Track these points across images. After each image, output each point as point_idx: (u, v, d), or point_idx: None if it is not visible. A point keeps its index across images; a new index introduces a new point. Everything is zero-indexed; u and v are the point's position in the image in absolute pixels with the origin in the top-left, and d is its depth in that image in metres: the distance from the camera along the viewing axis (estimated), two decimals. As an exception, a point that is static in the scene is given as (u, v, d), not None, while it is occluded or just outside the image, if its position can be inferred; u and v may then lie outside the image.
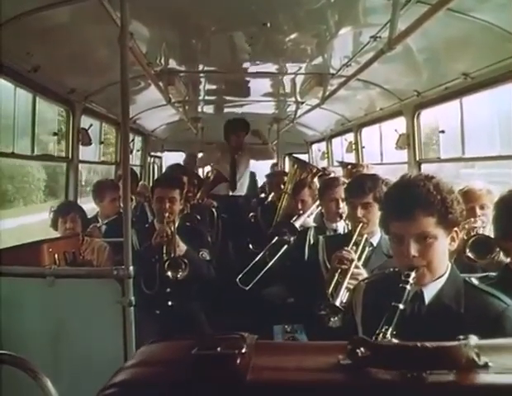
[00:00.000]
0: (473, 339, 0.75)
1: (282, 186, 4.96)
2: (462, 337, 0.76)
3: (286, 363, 0.80)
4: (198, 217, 4.41)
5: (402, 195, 1.62)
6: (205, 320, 3.27)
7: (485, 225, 2.71)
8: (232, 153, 5.98)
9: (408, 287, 1.52)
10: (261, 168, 7.44)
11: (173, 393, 0.77)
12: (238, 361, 0.77)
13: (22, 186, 7.70)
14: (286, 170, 6.47)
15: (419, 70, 3.64)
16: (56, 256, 2.85)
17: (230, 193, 6.01)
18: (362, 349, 0.76)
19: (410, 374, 0.73)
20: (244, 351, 0.78)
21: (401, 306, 1.49)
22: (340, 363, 0.77)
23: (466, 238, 2.58)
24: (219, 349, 0.79)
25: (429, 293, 1.61)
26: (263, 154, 6.55)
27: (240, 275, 3.60)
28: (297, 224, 3.72)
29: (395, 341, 1.39)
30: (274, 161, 7.87)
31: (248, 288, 3.56)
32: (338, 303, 2.23)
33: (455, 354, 0.74)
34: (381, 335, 1.42)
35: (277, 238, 3.69)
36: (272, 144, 6.56)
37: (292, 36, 3.38)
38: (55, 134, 4.25)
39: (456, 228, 1.62)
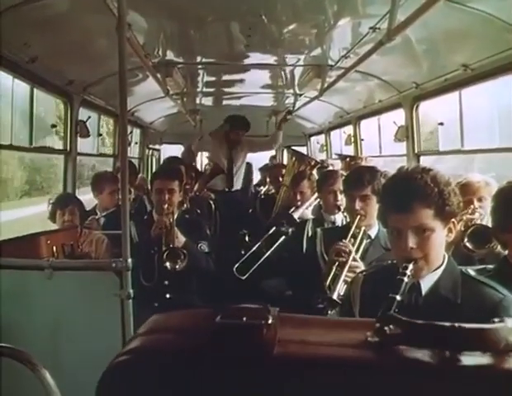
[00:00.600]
0: (510, 322, 0.72)
1: (281, 179, 4.95)
2: (496, 319, 0.73)
3: (312, 337, 0.76)
4: (198, 211, 4.41)
5: (400, 188, 1.63)
6: (209, 309, 3.27)
7: (483, 217, 2.71)
8: (229, 148, 5.95)
9: (405, 279, 1.53)
10: (258, 159, 7.44)
11: (195, 362, 0.73)
12: (264, 332, 0.73)
13: (48, 176, 8.29)
14: (285, 162, 6.46)
15: (419, 62, 3.62)
16: (54, 248, 2.85)
17: (227, 189, 6.01)
18: (391, 326, 0.72)
19: (441, 354, 0.69)
20: (270, 322, 0.74)
21: (398, 297, 1.49)
22: (368, 340, 0.73)
23: (464, 229, 2.58)
24: (244, 319, 0.74)
25: (426, 284, 1.62)
26: (261, 146, 6.50)
27: (237, 265, 3.60)
28: (296, 216, 3.72)
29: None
30: (273, 153, 7.88)
31: (244, 278, 3.55)
32: (335, 296, 2.23)
33: (493, 336, 0.70)
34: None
35: (274, 228, 3.68)
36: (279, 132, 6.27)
37: (291, 27, 3.36)
38: (53, 126, 4.23)
39: (453, 220, 1.63)
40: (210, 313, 0.77)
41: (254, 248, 3.69)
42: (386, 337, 0.72)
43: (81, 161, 5.58)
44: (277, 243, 3.60)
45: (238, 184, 6.14)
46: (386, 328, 0.72)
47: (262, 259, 3.60)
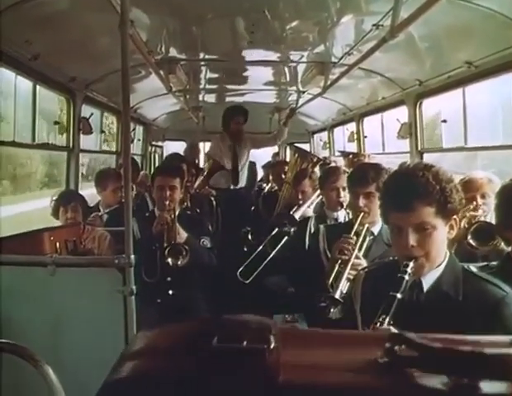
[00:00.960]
0: None
1: (284, 176, 4.95)
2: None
3: (319, 359, 0.69)
4: (198, 210, 4.41)
5: (401, 185, 1.62)
6: (205, 309, 3.28)
7: (487, 214, 2.71)
8: (233, 145, 5.82)
9: (406, 277, 1.53)
10: (260, 156, 7.42)
11: (191, 391, 0.65)
12: (267, 356, 0.64)
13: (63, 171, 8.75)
14: (288, 160, 6.45)
15: (422, 59, 3.61)
16: (57, 244, 2.86)
17: (232, 187, 5.86)
18: (402, 346, 0.66)
19: (459, 381, 0.62)
20: (273, 345, 0.65)
21: (399, 295, 1.49)
22: (379, 362, 0.67)
23: (467, 226, 2.57)
24: (245, 343, 0.65)
25: (428, 281, 1.61)
26: (264, 142, 6.39)
27: (241, 269, 3.60)
28: (297, 215, 3.72)
29: (392, 329, 1.39)
30: (276, 150, 7.87)
31: (248, 281, 3.56)
32: (338, 294, 2.22)
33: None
34: (378, 324, 1.42)
35: (277, 229, 3.68)
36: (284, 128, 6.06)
37: (294, 24, 3.35)
38: (56, 123, 4.24)
39: (455, 217, 1.62)
40: (201, 331, 0.69)
41: (257, 251, 3.69)
42: (397, 358, 0.66)
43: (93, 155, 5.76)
44: (279, 245, 3.60)
45: (242, 181, 6.03)
46: (395, 348, 0.66)
47: (265, 262, 3.61)
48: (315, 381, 0.66)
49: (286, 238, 3.61)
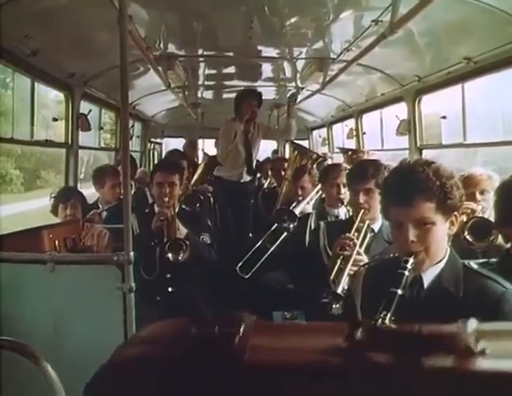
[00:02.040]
0: (472, 323, 0.74)
1: (283, 173, 4.95)
2: (461, 321, 0.75)
3: (284, 344, 0.80)
4: (198, 206, 4.41)
5: (401, 181, 1.62)
6: (205, 306, 3.27)
7: (486, 210, 2.71)
8: (245, 132, 5.31)
9: (406, 273, 1.52)
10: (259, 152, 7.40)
11: (171, 370, 0.77)
12: (236, 341, 0.77)
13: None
14: (287, 156, 6.44)
15: (421, 55, 3.61)
16: (56, 242, 2.85)
17: (248, 178, 5.43)
18: (359, 331, 0.75)
19: (406, 357, 0.73)
20: (242, 330, 0.78)
21: (399, 291, 1.49)
22: (338, 346, 0.76)
23: (464, 221, 2.57)
24: (217, 328, 0.79)
25: (428, 277, 1.61)
26: (275, 135, 6.04)
27: (240, 264, 3.60)
28: (297, 211, 3.71)
29: (393, 326, 1.39)
30: (275, 147, 7.86)
31: (247, 276, 3.56)
32: (340, 290, 2.22)
33: (453, 339, 0.73)
34: (379, 320, 1.42)
35: (276, 225, 3.68)
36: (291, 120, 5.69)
37: (293, 20, 3.35)
38: (55, 119, 4.23)
39: (455, 213, 1.62)
40: (189, 324, 0.81)
41: (257, 246, 3.69)
42: (356, 342, 0.75)
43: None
44: (279, 240, 3.60)
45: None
46: (355, 334, 0.75)
47: (264, 257, 3.60)
48: (277, 360, 0.76)
49: (285, 233, 3.59)
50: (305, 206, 3.82)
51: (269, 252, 3.60)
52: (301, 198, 3.86)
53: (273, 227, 3.69)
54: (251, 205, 5.27)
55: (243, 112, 5.13)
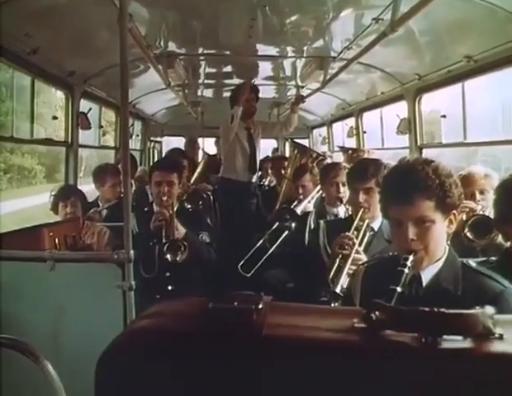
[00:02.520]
0: (490, 309, 0.75)
1: (283, 171, 4.94)
2: (478, 307, 0.76)
3: (301, 322, 0.80)
4: (200, 204, 4.40)
5: (401, 179, 1.63)
6: (205, 298, 3.27)
7: (485, 210, 2.71)
8: (247, 129, 5.18)
9: (406, 270, 1.53)
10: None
11: (188, 344, 0.78)
12: (254, 317, 0.78)
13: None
14: (287, 155, 6.44)
15: (421, 53, 3.61)
16: (57, 240, 2.85)
17: (251, 178, 5.28)
18: (377, 313, 0.76)
19: (424, 338, 0.73)
20: (260, 307, 0.79)
21: (399, 289, 1.49)
22: (355, 326, 0.77)
23: (465, 219, 2.57)
24: (236, 304, 0.79)
25: (427, 275, 1.62)
26: (274, 130, 5.75)
27: (242, 262, 3.59)
28: (298, 210, 3.71)
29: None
30: (275, 146, 7.86)
31: (249, 275, 3.55)
32: (338, 289, 2.23)
33: (472, 321, 0.74)
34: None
35: (277, 223, 3.68)
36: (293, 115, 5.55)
37: (293, 18, 3.35)
38: (55, 117, 4.23)
39: (454, 211, 1.63)
40: (206, 300, 0.82)
41: (258, 245, 3.68)
42: (372, 322, 0.75)
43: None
44: (280, 239, 3.60)
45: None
46: (372, 315, 0.76)
47: (265, 256, 3.60)
48: (294, 337, 0.77)
49: (286, 232, 3.59)
50: (307, 205, 3.82)
51: (271, 251, 3.60)
52: (301, 197, 3.85)
53: (274, 226, 3.68)
54: (254, 204, 5.18)
55: (241, 97, 4.94)
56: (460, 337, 0.74)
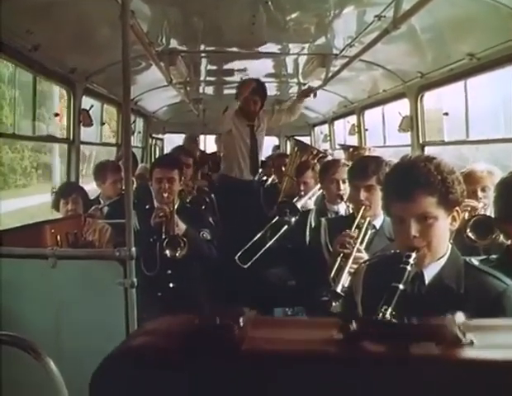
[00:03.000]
0: (459, 317, 0.79)
1: (283, 169, 4.93)
2: (449, 314, 0.80)
3: (281, 335, 0.85)
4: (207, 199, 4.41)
5: (402, 176, 1.62)
6: (206, 302, 3.27)
7: (487, 207, 2.70)
8: (249, 127, 5.03)
9: (408, 268, 1.52)
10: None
11: (173, 359, 0.83)
12: (235, 332, 0.83)
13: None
14: (288, 152, 6.43)
15: (424, 51, 3.59)
16: (58, 237, 2.85)
17: (255, 177, 5.16)
18: (353, 324, 0.80)
19: (396, 347, 0.78)
20: (241, 323, 0.84)
21: (401, 286, 1.49)
22: (333, 337, 0.81)
23: (467, 219, 2.57)
24: (218, 320, 0.84)
25: (430, 273, 1.61)
26: (279, 118, 5.51)
27: (239, 254, 3.59)
28: (299, 205, 3.71)
29: (394, 321, 1.39)
30: (276, 143, 7.85)
31: (246, 266, 3.55)
32: (339, 288, 2.22)
33: (440, 330, 0.78)
34: (380, 315, 1.42)
35: (277, 217, 3.67)
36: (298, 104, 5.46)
37: (295, 15, 3.34)
38: (56, 114, 4.23)
39: (457, 208, 1.62)
40: (192, 318, 0.87)
41: (257, 237, 3.68)
42: (349, 333, 0.80)
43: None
44: (279, 233, 3.59)
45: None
46: (349, 326, 0.80)
47: (264, 248, 3.59)
48: (274, 350, 0.82)
49: (286, 226, 3.59)
50: (307, 202, 3.81)
51: (269, 243, 3.59)
52: (303, 193, 3.85)
53: (274, 220, 3.68)
54: (255, 202, 5.02)
55: (243, 108, 4.90)
56: (432, 345, 0.78)
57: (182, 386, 0.81)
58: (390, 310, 1.41)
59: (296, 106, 5.44)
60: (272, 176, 5.91)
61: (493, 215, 2.20)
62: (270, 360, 0.81)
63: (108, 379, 0.84)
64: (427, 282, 1.60)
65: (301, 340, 0.83)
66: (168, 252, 3.00)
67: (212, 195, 5.02)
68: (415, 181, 1.56)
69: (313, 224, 3.21)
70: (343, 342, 0.80)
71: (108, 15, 2.65)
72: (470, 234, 2.52)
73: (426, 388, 0.76)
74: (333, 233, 2.65)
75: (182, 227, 3.12)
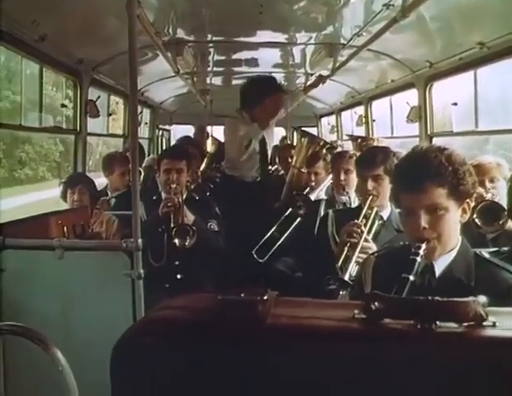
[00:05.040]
0: (482, 298, 0.80)
1: (290, 160, 4.91)
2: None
3: (303, 313, 0.85)
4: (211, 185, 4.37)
5: (413, 166, 1.60)
6: (214, 292, 3.27)
7: (495, 198, 2.68)
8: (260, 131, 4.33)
9: (418, 259, 1.51)
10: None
11: (197, 333, 0.83)
12: (259, 307, 0.83)
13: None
14: (294, 143, 6.40)
15: (433, 40, 3.55)
16: (65, 228, 2.86)
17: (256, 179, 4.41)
18: (376, 304, 0.80)
19: (420, 325, 0.78)
20: (265, 298, 0.84)
21: (411, 277, 1.48)
22: (355, 316, 0.81)
23: (474, 205, 2.55)
24: (242, 295, 0.85)
25: (440, 266, 1.59)
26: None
27: (256, 248, 3.58)
28: (312, 197, 3.70)
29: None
30: (283, 134, 7.82)
31: (263, 260, 3.55)
32: (347, 277, 2.22)
33: (464, 309, 0.79)
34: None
35: (290, 210, 3.66)
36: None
37: (302, 4, 3.30)
38: (63, 105, 4.22)
39: (467, 200, 1.60)
40: (215, 295, 0.87)
41: (272, 230, 3.66)
42: (372, 312, 0.80)
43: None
44: (292, 226, 3.58)
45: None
46: (371, 305, 0.80)
47: (279, 242, 3.59)
48: (297, 326, 0.82)
49: (298, 219, 3.58)
50: (320, 193, 3.80)
51: (284, 237, 3.58)
52: (313, 184, 3.84)
53: (287, 212, 3.67)
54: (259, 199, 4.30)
55: (267, 112, 4.19)
56: (454, 324, 0.79)
57: (209, 360, 0.81)
58: None
59: (297, 94, 5.23)
60: (276, 166, 5.89)
61: (506, 206, 2.18)
62: (294, 336, 0.81)
63: (129, 353, 0.84)
64: (437, 275, 1.59)
65: (324, 317, 0.84)
66: (177, 241, 3.00)
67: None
68: (426, 172, 1.54)
69: (322, 214, 3.20)
70: (366, 321, 0.80)
71: (115, 5, 2.63)
72: (476, 220, 2.50)
73: (449, 366, 0.76)
74: (340, 224, 2.63)
75: (190, 218, 3.12)
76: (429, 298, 0.79)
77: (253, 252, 3.55)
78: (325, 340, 0.80)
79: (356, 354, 0.79)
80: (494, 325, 0.78)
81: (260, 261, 3.54)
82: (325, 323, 0.82)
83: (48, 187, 11.32)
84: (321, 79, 4.94)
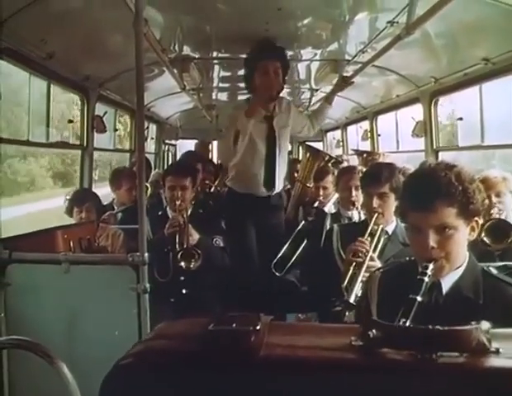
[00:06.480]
0: (485, 324, 0.76)
1: (295, 174, 4.92)
2: (474, 322, 0.77)
3: (299, 342, 0.83)
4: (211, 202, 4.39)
5: (422, 185, 1.57)
6: (219, 308, 3.26)
7: (502, 213, 2.67)
8: (266, 115, 3.68)
9: (426, 279, 1.48)
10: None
11: (189, 364, 0.81)
12: (252, 338, 0.80)
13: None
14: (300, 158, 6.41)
15: (437, 56, 3.57)
16: (71, 242, 2.87)
17: (265, 192, 3.73)
18: (373, 331, 0.77)
19: (420, 355, 0.75)
20: (258, 328, 0.82)
21: (419, 298, 1.45)
22: (352, 344, 0.79)
23: (482, 223, 2.54)
24: (234, 325, 0.82)
25: (447, 283, 1.57)
26: (306, 119, 4.12)
27: (274, 261, 3.58)
28: (326, 210, 3.71)
29: (418, 327, 1.37)
30: (289, 148, 7.82)
31: (280, 274, 3.56)
32: (353, 298, 2.20)
33: (466, 337, 0.75)
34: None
35: (303, 222, 3.66)
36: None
37: (307, 21, 3.34)
38: (70, 121, 4.26)
39: (476, 218, 1.58)
40: (207, 321, 0.85)
41: (288, 243, 3.66)
42: (370, 340, 0.78)
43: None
44: (305, 241, 3.60)
45: (280, 182, 3.83)
46: (369, 333, 0.78)
47: (297, 253, 3.61)
48: (293, 357, 0.80)
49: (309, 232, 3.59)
50: (331, 207, 3.81)
51: (299, 250, 3.60)
52: (321, 198, 3.85)
53: (300, 225, 3.67)
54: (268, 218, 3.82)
55: (259, 85, 3.60)
56: (456, 353, 0.75)
57: (200, 390, 0.80)
58: (408, 323, 1.39)
59: (323, 111, 4.17)
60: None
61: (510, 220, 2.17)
62: (288, 367, 0.79)
63: (119, 383, 0.83)
64: (444, 292, 1.56)
65: (319, 346, 0.81)
66: (183, 264, 3.02)
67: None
68: (436, 191, 1.51)
69: (328, 228, 3.20)
70: (362, 349, 0.78)
71: (122, 23, 2.67)
72: (485, 238, 2.48)
73: None
74: (345, 239, 2.63)
75: (195, 237, 3.12)
76: (430, 327, 0.76)
77: (272, 265, 3.58)
78: (321, 371, 0.78)
79: (354, 385, 0.76)
80: (497, 352, 0.75)
81: (278, 274, 3.54)
82: (321, 354, 0.80)
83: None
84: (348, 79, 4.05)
